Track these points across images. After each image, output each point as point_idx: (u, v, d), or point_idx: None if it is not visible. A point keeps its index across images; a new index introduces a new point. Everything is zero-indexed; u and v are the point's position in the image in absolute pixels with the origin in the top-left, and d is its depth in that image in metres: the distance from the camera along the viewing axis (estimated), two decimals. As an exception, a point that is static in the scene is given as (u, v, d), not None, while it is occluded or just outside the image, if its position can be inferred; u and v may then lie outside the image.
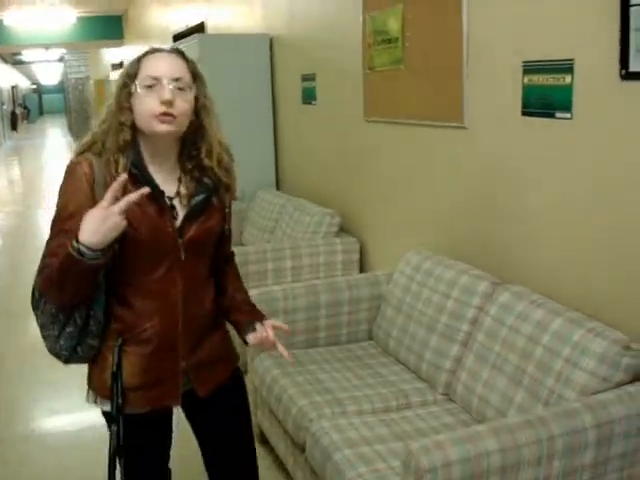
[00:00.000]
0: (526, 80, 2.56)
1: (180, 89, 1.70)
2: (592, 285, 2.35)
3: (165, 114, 1.67)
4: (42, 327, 1.81)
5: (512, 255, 2.72)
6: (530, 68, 2.53)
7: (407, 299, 2.95)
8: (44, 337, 1.82)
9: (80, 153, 1.75)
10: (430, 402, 2.62)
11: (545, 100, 2.48)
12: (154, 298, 1.77)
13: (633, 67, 2.09)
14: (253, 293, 2.70)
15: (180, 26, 8.70)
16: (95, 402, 1.86)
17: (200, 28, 7.58)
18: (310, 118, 4.73)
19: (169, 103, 1.66)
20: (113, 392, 1.76)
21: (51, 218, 1.74)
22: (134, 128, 1.73)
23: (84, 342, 1.78)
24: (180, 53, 1.78)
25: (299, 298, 3.12)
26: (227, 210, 1.91)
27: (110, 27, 14.69)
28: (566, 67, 2.36)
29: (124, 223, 1.59)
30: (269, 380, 2.82)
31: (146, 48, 1.80)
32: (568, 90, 2.36)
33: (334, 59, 4.25)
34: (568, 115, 2.37)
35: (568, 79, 2.36)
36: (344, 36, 4.02)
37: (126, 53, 14.23)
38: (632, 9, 2.08)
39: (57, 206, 1.73)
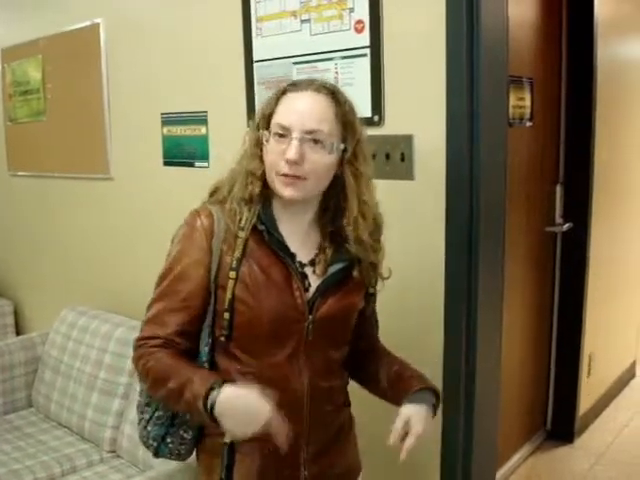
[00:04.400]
0: (165, 131, 2.64)
1: (317, 142, 1.35)
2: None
3: (287, 175, 1.35)
4: (137, 407, 1.53)
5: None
6: (168, 120, 2.62)
7: (65, 359, 2.83)
8: (138, 421, 1.53)
9: (209, 198, 1.48)
10: (96, 462, 2.54)
11: (184, 150, 2.58)
12: (272, 388, 1.35)
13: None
14: None
15: None
16: None
17: None
18: (-49, 174, 4.34)
19: (293, 163, 1.34)
20: None
21: (162, 268, 1.46)
22: (265, 179, 1.42)
23: (175, 433, 1.48)
24: (331, 93, 1.39)
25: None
26: (372, 290, 1.54)
27: None
28: (201, 119, 2.48)
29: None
30: None
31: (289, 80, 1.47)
32: (204, 140, 2.48)
33: (-26, 111, 3.97)
34: (206, 164, 2.50)
35: (204, 130, 2.48)
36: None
37: None
38: (255, 65, 2.28)
39: (169, 256, 1.45)
